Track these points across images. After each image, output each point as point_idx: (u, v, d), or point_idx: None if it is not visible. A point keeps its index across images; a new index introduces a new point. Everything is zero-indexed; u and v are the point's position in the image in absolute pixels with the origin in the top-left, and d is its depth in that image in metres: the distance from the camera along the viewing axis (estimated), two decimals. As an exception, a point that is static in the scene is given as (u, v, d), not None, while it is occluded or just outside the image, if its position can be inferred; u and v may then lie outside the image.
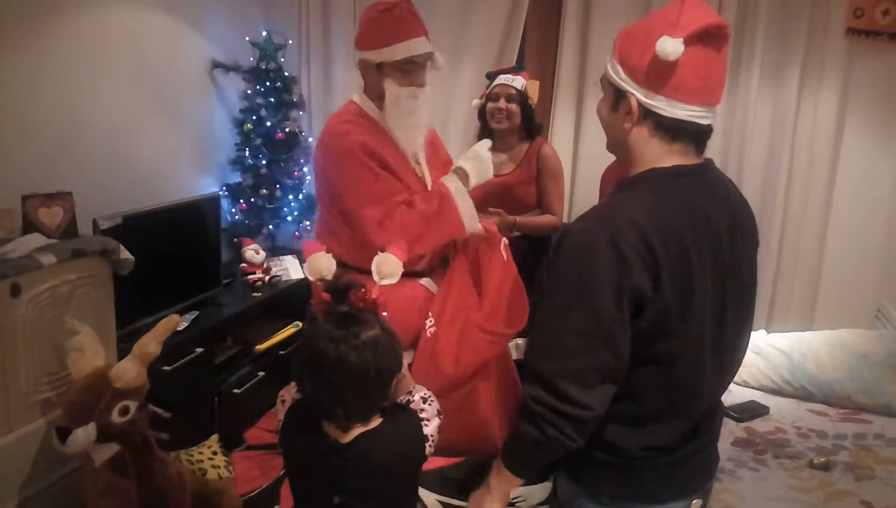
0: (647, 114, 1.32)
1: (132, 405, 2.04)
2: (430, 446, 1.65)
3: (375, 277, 1.95)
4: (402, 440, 1.63)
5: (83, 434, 1.94)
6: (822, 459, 2.19)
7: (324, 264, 1.97)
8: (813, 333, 2.77)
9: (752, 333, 2.81)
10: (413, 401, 1.70)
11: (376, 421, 1.63)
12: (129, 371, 2.04)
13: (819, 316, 3.64)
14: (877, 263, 3.67)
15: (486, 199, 2.80)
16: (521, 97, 3.11)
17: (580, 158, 3.97)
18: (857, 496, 2.03)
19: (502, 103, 3.10)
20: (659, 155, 1.35)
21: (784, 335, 2.99)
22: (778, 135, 3.67)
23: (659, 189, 1.32)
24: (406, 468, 1.66)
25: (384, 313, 1.65)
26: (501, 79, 3.13)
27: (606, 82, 1.38)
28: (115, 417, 2.00)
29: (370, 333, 1.57)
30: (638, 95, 1.30)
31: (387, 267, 1.95)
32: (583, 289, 1.25)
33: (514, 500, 2.90)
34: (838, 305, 3.67)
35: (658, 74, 1.27)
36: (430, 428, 1.65)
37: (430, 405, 1.69)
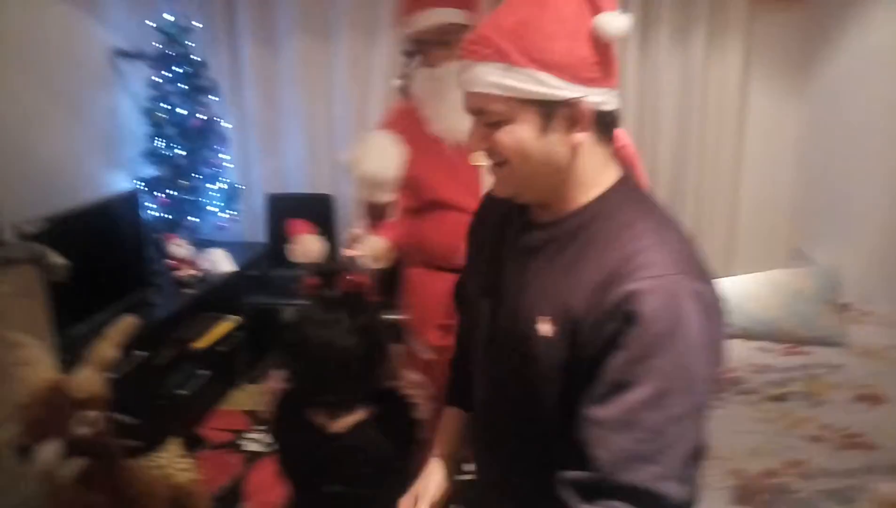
0: (594, 117, 1.04)
1: (95, 415, 1.92)
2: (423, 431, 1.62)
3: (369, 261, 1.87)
4: (393, 427, 1.59)
5: (47, 451, 1.81)
6: (779, 392, 2.31)
7: (315, 247, 1.88)
8: (746, 276, 2.91)
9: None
10: (403, 387, 1.66)
11: (366, 409, 1.59)
12: (89, 380, 1.91)
13: (738, 261, 3.85)
14: (788, 206, 3.91)
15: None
16: None
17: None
18: (816, 421, 2.16)
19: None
20: (605, 165, 1.10)
21: (717, 281, 3.15)
22: (688, 92, 3.83)
23: (660, 216, 1.08)
24: (399, 455, 1.60)
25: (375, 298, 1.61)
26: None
27: (514, 103, 1.02)
28: (79, 429, 1.88)
29: (357, 318, 1.53)
30: (586, 96, 1.02)
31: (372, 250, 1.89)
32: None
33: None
34: (755, 249, 3.90)
35: (600, 62, 1.02)
36: (423, 413, 1.62)
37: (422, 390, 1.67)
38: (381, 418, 1.59)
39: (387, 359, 1.60)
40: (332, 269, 1.59)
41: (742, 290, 2.80)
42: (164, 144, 3.64)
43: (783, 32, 3.74)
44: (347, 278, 1.59)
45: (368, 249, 1.92)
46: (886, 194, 2.89)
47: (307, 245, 1.91)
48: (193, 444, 3.09)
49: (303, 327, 1.54)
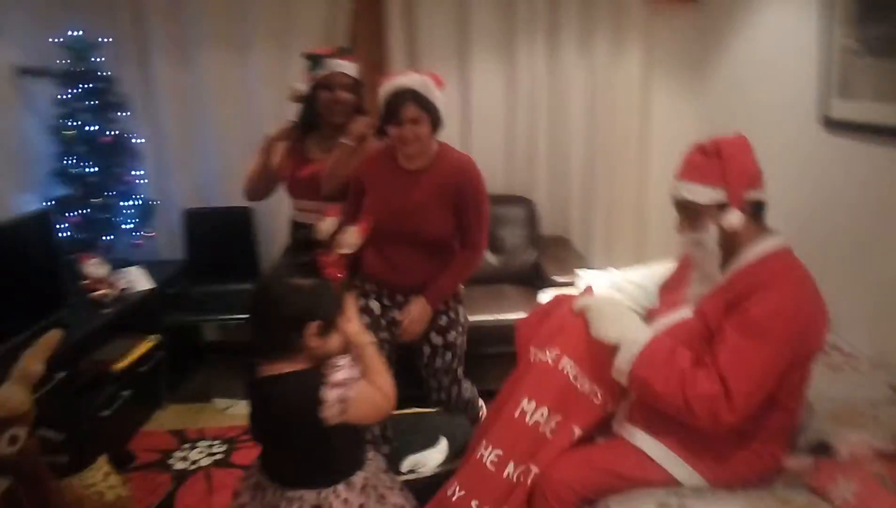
0: None
1: (21, 433, 1.86)
2: (327, 409, 1.62)
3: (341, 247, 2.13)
4: (298, 392, 1.64)
5: (-30, 473, 1.76)
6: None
7: (326, 224, 2.16)
8: (659, 264, 3.05)
9: (606, 273, 3.07)
10: (339, 366, 1.67)
11: (286, 367, 1.66)
12: (14, 397, 1.86)
13: (649, 251, 4.05)
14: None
15: (319, 184, 2.75)
16: (357, 86, 2.80)
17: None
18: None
19: (340, 94, 2.74)
20: None
21: (634, 270, 3.28)
22: (595, 97, 4.02)
23: None
24: (302, 421, 1.64)
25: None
26: (334, 65, 2.73)
27: None
28: (4, 447, 1.82)
29: (305, 281, 1.67)
30: None
31: (350, 238, 2.16)
32: None
33: (415, 467, 2.96)
34: (663, 243, 4.09)
35: None
36: (335, 393, 1.62)
37: (346, 372, 1.67)
38: (293, 380, 1.66)
39: (313, 326, 1.65)
40: (312, 240, 1.84)
41: (659, 276, 2.93)
42: (74, 163, 3.54)
43: (679, 34, 3.98)
44: (324, 255, 1.80)
45: (346, 236, 2.23)
46: (777, 186, 3.04)
47: (322, 224, 2.16)
48: (122, 463, 3.00)
49: (267, 276, 1.77)
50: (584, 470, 1.80)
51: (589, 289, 2.18)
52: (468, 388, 2.88)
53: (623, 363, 1.82)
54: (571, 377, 1.93)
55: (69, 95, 3.55)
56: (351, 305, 1.76)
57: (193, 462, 3.09)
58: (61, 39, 3.54)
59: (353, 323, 1.75)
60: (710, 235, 1.83)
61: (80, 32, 3.57)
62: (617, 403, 1.93)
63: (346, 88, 2.75)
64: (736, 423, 1.70)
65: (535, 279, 3.85)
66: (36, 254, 3.07)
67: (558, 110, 4.05)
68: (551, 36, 3.96)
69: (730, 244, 1.86)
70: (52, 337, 1.96)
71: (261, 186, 2.93)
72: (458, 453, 3.04)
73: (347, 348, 1.74)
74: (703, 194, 1.82)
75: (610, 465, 1.81)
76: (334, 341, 1.70)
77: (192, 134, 4.00)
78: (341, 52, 2.81)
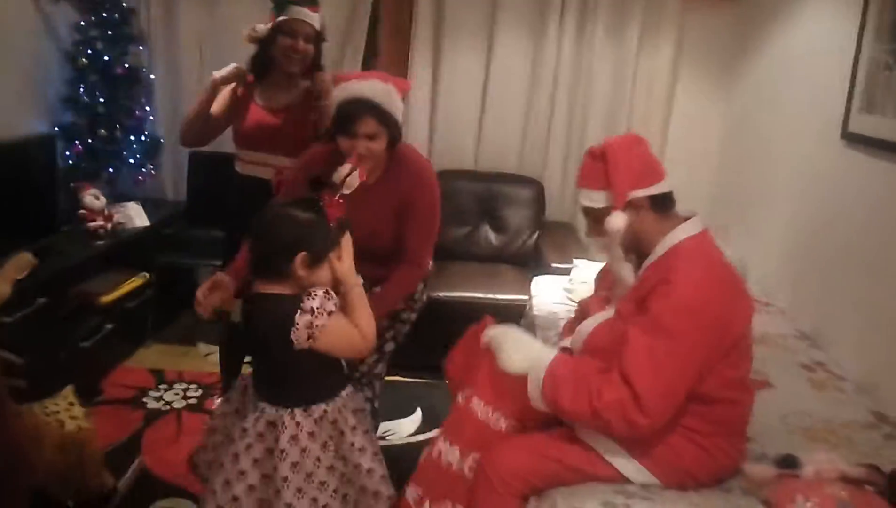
0: None
1: (-19, 351, 1.86)
2: (295, 332, 1.68)
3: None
4: (275, 312, 1.72)
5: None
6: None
7: (345, 169, 2.07)
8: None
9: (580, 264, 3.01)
10: (316, 295, 1.72)
11: (275, 289, 1.75)
12: (-23, 314, 1.85)
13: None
14: (705, 199, 4.03)
15: (265, 135, 2.63)
16: (318, 38, 2.65)
17: (438, 105, 4.01)
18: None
19: (301, 44, 2.58)
20: None
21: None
22: (619, 85, 3.93)
23: None
24: (274, 340, 1.73)
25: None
26: (299, 12, 2.57)
27: None
28: (-38, 364, 1.82)
29: (302, 214, 1.75)
30: None
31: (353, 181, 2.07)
32: None
33: (385, 433, 2.95)
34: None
35: None
36: (305, 319, 1.68)
37: (318, 301, 1.71)
38: (274, 300, 1.74)
39: (302, 256, 1.73)
40: (323, 182, 1.92)
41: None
42: (85, 91, 3.52)
43: (712, 32, 3.87)
44: (329, 195, 1.90)
45: (351, 179, 2.08)
46: (795, 193, 3.01)
47: (343, 168, 2.07)
48: (92, 396, 3.01)
49: (272, 204, 1.84)
50: (533, 458, 1.76)
51: (488, 319, 2.10)
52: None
53: (534, 391, 1.78)
54: (481, 415, 1.89)
55: (87, 23, 3.52)
56: (346, 245, 1.81)
57: (167, 403, 3.09)
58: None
59: (343, 263, 1.80)
60: (613, 239, 1.80)
61: (105, -40, 3.53)
62: (539, 427, 1.89)
63: (308, 39, 2.60)
64: (652, 424, 1.64)
65: (533, 263, 3.79)
66: (36, 177, 3.07)
67: (580, 95, 3.97)
68: (582, 19, 3.87)
69: (637, 244, 1.82)
70: (22, 260, 1.95)
71: (198, 131, 2.73)
72: (432, 424, 3.03)
73: (336, 284, 1.79)
74: (595, 198, 1.81)
75: (559, 455, 1.76)
76: (322, 274, 1.76)
77: (207, 76, 3.94)
78: (309, 2, 2.63)
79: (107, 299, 3.19)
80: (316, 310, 1.69)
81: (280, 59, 2.61)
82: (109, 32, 3.54)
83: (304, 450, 1.76)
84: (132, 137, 3.70)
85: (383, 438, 2.92)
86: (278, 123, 2.64)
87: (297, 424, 1.77)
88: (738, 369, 1.77)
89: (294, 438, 1.76)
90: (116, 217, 3.42)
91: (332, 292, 1.75)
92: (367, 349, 1.82)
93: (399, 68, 4.04)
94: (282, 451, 1.74)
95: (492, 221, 3.93)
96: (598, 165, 1.79)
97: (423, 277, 2.43)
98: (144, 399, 3.11)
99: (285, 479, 1.73)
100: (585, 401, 1.67)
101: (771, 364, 2.41)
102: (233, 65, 2.64)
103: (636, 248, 1.83)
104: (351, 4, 3.82)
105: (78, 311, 3.10)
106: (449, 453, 1.88)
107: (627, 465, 1.75)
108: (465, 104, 4.00)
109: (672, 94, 3.97)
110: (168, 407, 3.05)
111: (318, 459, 1.79)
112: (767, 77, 3.44)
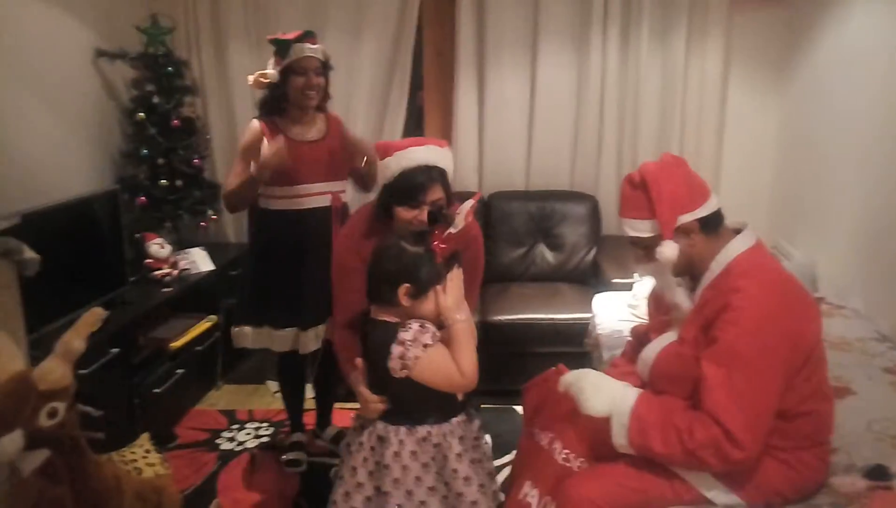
0: None
1: (60, 407, 1.91)
2: (390, 361, 1.78)
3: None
4: (379, 338, 1.85)
5: (9, 443, 1.80)
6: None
7: (466, 204, 2.10)
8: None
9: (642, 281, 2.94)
10: (410, 327, 1.81)
11: (384, 316, 1.87)
12: (55, 371, 1.90)
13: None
14: (767, 203, 3.94)
15: (317, 166, 2.70)
16: (326, 68, 2.74)
17: (485, 127, 4.01)
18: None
19: (313, 78, 2.66)
20: None
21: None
22: (669, 93, 3.86)
23: None
24: (377, 363, 1.85)
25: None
26: (303, 50, 2.64)
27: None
28: (44, 420, 1.86)
29: (410, 247, 1.85)
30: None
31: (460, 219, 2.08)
32: None
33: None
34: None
35: None
36: (398, 349, 1.77)
37: (412, 334, 1.79)
38: (382, 328, 1.86)
39: (406, 287, 1.82)
40: (441, 216, 2.00)
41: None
42: (145, 144, 3.64)
43: (762, 32, 3.78)
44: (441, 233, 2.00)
45: (459, 216, 2.09)
46: (861, 192, 2.90)
47: (465, 204, 2.11)
48: (167, 441, 3.08)
49: (391, 240, 1.90)
50: (609, 486, 1.72)
51: (562, 368, 2.05)
52: None
53: (619, 437, 1.73)
54: (562, 460, 1.86)
55: (143, 78, 3.65)
56: (454, 280, 1.86)
57: (240, 444, 3.13)
58: (137, 24, 3.63)
59: (448, 297, 1.83)
60: (665, 266, 1.75)
61: (155, 18, 3.65)
62: None
63: (318, 72, 2.68)
64: (750, 456, 1.58)
65: (592, 280, 3.75)
66: (102, 232, 3.17)
67: (629, 106, 3.92)
68: (626, 27, 3.83)
69: (690, 268, 1.78)
70: (94, 315, 2.00)
71: (247, 198, 2.74)
72: (502, 452, 2.99)
73: (439, 317, 1.85)
74: (641, 228, 1.76)
75: (636, 482, 1.71)
76: (427, 306, 1.84)
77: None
78: (308, 34, 2.70)
79: (176, 344, 3.26)
80: (408, 342, 1.77)
81: (297, 98, 2.68)
82: (164, 85, 3.66)
83: (405, 468, 1.83)
84: (192, 186, 3.80)
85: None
86: (328, 152, 2.76)
87: (401, 441, 1.84)
88: (814, 379, 1.71)
89: (397, 455, 1.84)
90: (182, 264, 3.51)
91: (430, 325, 1.82)
92: (467, 385, 1.82)
93: (444, 94, 4.07)
94: (386, 466, 1.83)
95: (547, 239, 3.90)
96: (640, 194, 1.74)
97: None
98: (217, 441, 3.17)
99: (387, 494, 1.82)
100: (677, 443, 1.63)
101: (851, 370, 2.32)
102: (274, 147, 2.58)
103: (690, 271, 1.79)
104: (395, 34, 3.87)
105: (150, 358, 3.18)
106: (531, 495, 1.85)
107: (713, 489, 1.69)
108: (513, 124, 3.99)
109: (724, 98, 3.89)
110: (241, 447, 3.10)
111: (419, 478, 1.84)
112: (821, 75, 3.34)
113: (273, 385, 3.64)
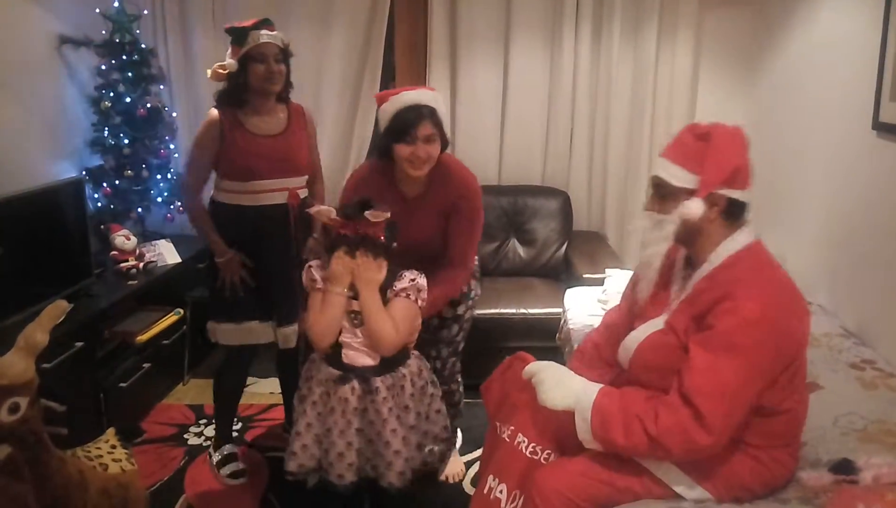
0: None
1: (22, 402, 1.86)
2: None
3: None
4: None
5: (-31, 439, 1.76)
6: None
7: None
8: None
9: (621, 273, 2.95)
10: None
11: None
12: (16, 365, 1.85)
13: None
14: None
15: (275, 161, 2.66)
16: (286, 55, 2.67)
17: (457, 121, 4.00)
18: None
19: (274, 65, 2.60)
20: None
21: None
22: (639, 88, 3.88)
23: None
24: None
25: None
26: (261, 36, 2.58)
27: None
28: (5, 416, 1.82)
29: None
30: None
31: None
32: None
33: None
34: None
35: None
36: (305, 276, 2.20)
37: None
38: None
39: None
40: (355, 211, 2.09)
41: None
42: (110, 134, 3.57)
43: (732, 28, 3.83)
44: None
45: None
46: (828, 188, 2.95)
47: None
48: (133, 436, 3.01)
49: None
50: (578, 479, 1.72)
51: (523, 355, 2.05)
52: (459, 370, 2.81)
53: (583, 431, 1.73)
54: (528, 453, 1.86)
55: (108, 66, 3.57)
56: (339, 259, 2.07)
57: (208, 439, 3.09)
58: (102, 11, 3.55)
59: (330, 268, 2.09)
60: (671, 219, 1.72)
61: (121, 4, 3.57)
62: None
63: (278, 59, 2.62)
64: (715, 444, 1.59)
65: (564, 275, 3.76)
66: (67, 222, 3.09)
67: (601, 102, 3.93)
68: (598, 24, 3.84)
69: (692, 239, 1.76)
70: (57, 308, 1.95)
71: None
72: (472, 446, 2.99)
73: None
74: (678, 175, 1.72)
75: (604, 474, 1.72)
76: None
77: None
78: (264, 22, 2.65)
79: (143, 337, 3.20)
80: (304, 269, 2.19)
81: (259, 85, 2.61)
82: (130, 74, 3.59)
83: (343, 410, 2.14)
84: (158, 176, 3.74)
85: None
86: (287, 147, 2.70)
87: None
88: (795, 380, 1.72)
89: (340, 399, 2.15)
90: (148, 256, 3.45)
91: (317, 271, 2.15)
92: (308, 336, 2.16)
93: (416, 86, 4.04)
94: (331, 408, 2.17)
95: (519, 234, 3.91)
96: (698, 146, 1.70)
97: (469, 276, 2.59)
98: (185, 436, 3.12)
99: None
100: (640, 431, 1.62)
101: (817, 365, 2.35)
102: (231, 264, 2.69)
103: (689, 243, 1.77)
104: (367, 25, 3.83)
105: (115, 352, 3.12)
106: (497, 490, 1.85)
107: (681, 483, 1.70)
108: (485, 118, 3.98)
109: (694, 94, 3.93)
110: (209, 443, 3.06)
111: (349, 421, 2.14)
112: (791, 71, 3.39)
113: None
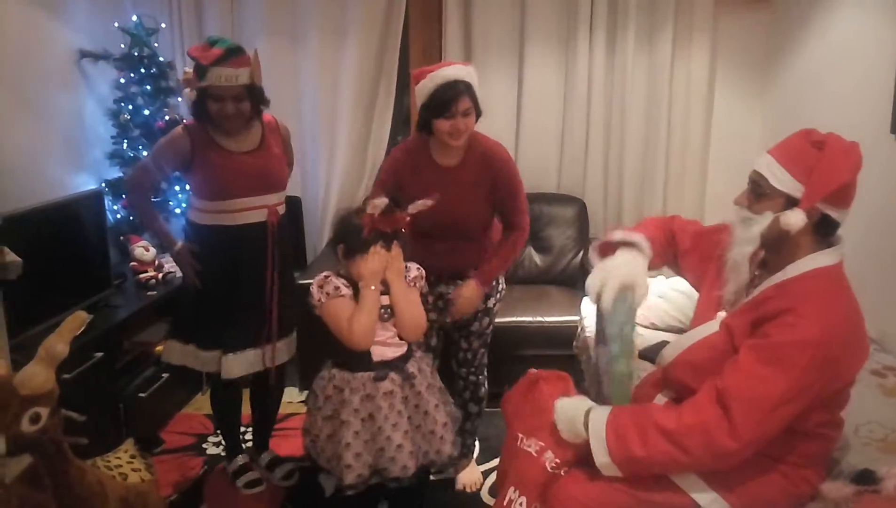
0: None
1: (43, 412, 1.88)
2: (311, 296, 2.25)
3: None
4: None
5: (-8, 448, 1.78)
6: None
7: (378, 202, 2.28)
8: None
9: (653, 281, 2.95)
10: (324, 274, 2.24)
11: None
12: (37, 376, 1.87)
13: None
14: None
15: (253, 178, 2.58)
16: (252, 90, 2.50)
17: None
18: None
19: (230, 106, 2.46)
20: None
21: (680, 278, 3.16)
22: (655, 95, 3.87)
23: None
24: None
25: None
26: (219, 77, 2.41)
27: None
28: (26, 426, 1.83)
29: (354, 220, 2.19)
30: None
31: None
32: None
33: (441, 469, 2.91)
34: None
35: None
36: (314, 288, 2.23)
37: (319, 281, 2.21)
38: None
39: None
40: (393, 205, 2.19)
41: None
42: (128, 146, 3.61)
43: (747, 35, 3.81)
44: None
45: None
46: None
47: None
48: (152, 446, 3.04)
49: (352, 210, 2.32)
50: (598, 488, 1.71)
51: (535, 373, 2.05)
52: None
53: (600, 456, 1.70)
54: (551, 468, 1.83)
55: (127, 80, 3.62)
56: (376, 255, 2.13)
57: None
58: (121, 25, 3.60)
59: (365, 267, 2.14)
60: (762, 220, 1.66)
61: (140, 18, 3.62)
62: None
63: (238, 98, 2.46)
64: (739, 451, 1.57)
65: (580, 282, 3.73)
66: (87, 234, 3.12)
67: (616, 109, 3.92)
68: (613, 31, 3.84)
69: (776, 246, 1.69)
70: (77, 319, 1.97)
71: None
72: (489, 456, 2.98)
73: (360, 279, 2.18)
74: (782, 178, 1.64)
75: (625, 485, 1.71)
76: (354, 267, 2.17)
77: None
78: (229, 55, 2.43)
79: (162, 348, 3.22)
80: (315, 286, 2.19)
81: (217, 121, 2.51)
82: (148, 87, 3.63)
83: (326, 398, 2.26)
84: (177, 187, 3.77)
85: (441, 471, 2.89)
86: (264, 164, 2.60)
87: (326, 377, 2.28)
88: (835, 409, 1.70)
89: (322, 388, 2.28)
90: (167, 267, 3.48)
91: (337, 279, 2.18)
92: (350, 340, 2.14)
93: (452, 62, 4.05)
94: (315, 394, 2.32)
95: (535, 242, 3.90)
96: (811, 152, 1.63)
97: (526, 238, 2.70)
98: (204, 445, 3.15)
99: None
100: (657, 436, 1.60)
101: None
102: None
103: (773, 249, 1.71)
104: (381, 35, 3.85)
105: (134, 362, 3.15)
106: (518, 502, 1.83)
107: (704, 494, 1.68)
108: (500, 126, 3.98)
109: (710, 100, 3.91)
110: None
111: (335, 410, 2.24)
112: (807, 76, 3.36)
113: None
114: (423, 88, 2.42)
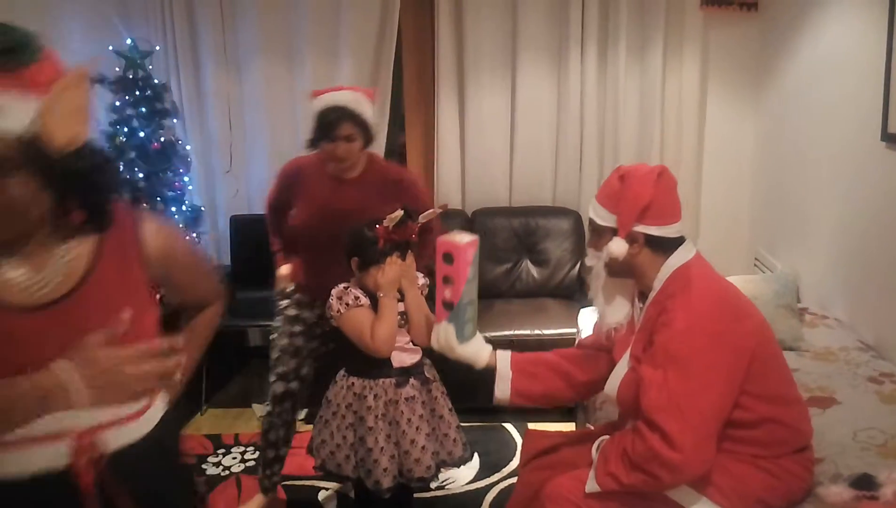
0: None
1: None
2: (329, 308, 2.20)
3: None
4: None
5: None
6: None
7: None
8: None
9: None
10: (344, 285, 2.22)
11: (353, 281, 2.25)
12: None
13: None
14: (747, 214, 3.98)
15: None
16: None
17: (467, 145, 4.03)
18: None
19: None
20: None
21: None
22: (648, 106, 3.90)
23: None
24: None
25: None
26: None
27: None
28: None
29: (367, 233, 2.15)
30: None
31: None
32: None
33: (444, 482, 2.91)
34: (718, 257, 3.92)
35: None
36: (330, 301, 2.18)
37: (339, 292, 2.18)
38: None
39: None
40: (407, 216, 2.16)
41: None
42: (125, 168, 3.62)
43: (738, 45, 3.85)
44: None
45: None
46: (839, 201, 2.93)
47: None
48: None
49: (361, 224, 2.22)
50: (591, 498, 1.72)
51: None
52: None
53: (590, 487, 1.74)
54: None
55: (122, 102, 3.64)
56: (392, 265, 2.14)
57: (226, 468, 3.10)
58: (115, 48, 3.62)
59: (383, 277, 2.13)
60: (601, 256, 1.81)
61: (133, 41, 3.65)
62: None
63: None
64: (687, 459, 1.57)
65: (578, 294, 3.75)
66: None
67: (609, 121, 3.95)
68: (604, 45, 3.87)
69: (625, 273, 1.82)
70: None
71: None
72: (490, 470, 2.98)
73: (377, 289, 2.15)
74: (602, 216, 1.81)
75: (620, 497, 1.71)
76: (369, 279, 2.15)
77: (241, 142, 4.06)
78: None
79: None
80: (335, 297, 2.16)
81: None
82: (143, 109, 3.65)
83: (337, 405, 2.24)
84: (174, 208, 3.78)
85: (442, 487, 2.88)
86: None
87: (341, 384, 2.25)
88: (765, 385, 1.71)
89: (335, 395, 2.25)
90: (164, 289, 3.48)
91: (356, 290, 2.17)
92: (373, 347, 2.11)
93: (425, 113, 4.09)
94: (328, 399, 2.29)
95: (532, 255, 3.91)
96: (617, 187, 1.79)
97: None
98: (203, 466, 3.13)
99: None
100: (627, 464, 1.64)
101: (835, 380, 2.34)
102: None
103: (628, 276, 1.84)
104: (375, 55, 3.88)
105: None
106: None
107: (694, 500, 1.69)
108: (494, 141, 4.01)
109: (702, 111, 3.94)
110: (227, 472, 3.07)
111: (343, 416, 2.23)
112: (798, 85, 3.39)
113: (259, 409, 3.61)
114: (313, 109, 2.47)
